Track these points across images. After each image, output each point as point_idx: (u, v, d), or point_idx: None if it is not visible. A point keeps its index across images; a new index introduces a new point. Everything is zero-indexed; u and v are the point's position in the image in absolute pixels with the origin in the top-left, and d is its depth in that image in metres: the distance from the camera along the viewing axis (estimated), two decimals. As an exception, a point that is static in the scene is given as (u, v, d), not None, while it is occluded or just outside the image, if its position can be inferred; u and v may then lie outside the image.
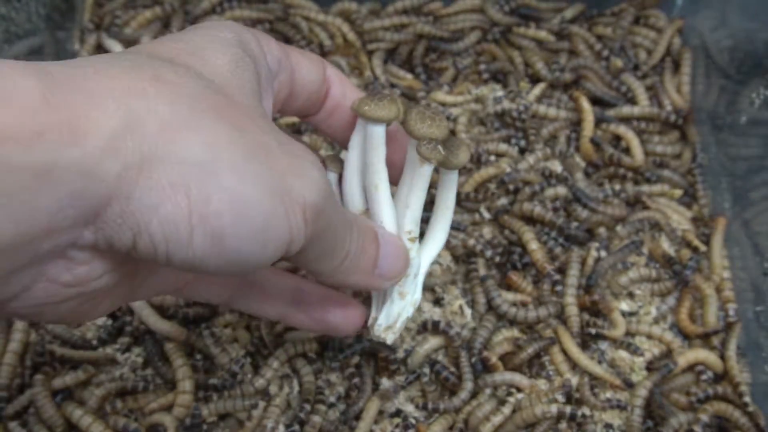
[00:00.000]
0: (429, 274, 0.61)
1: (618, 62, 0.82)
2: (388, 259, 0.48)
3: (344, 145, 0.52)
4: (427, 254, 0.54)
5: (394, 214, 0.51)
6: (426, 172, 0.50)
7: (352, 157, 0.52)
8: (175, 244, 0.33)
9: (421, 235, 0.53)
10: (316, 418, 0.59)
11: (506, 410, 0.60)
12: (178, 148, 0.32)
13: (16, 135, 0.28)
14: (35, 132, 0.28)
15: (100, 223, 0.32)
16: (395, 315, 0.52)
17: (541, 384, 0.63)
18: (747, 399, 0.63)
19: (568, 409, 0.60)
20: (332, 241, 0.42)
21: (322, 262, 0.42)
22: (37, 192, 0.29)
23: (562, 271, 0.67)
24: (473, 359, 0.62)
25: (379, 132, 0.49)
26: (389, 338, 0.53)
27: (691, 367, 0.65)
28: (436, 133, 0.48)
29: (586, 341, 0.65)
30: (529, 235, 0.68)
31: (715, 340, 0.67)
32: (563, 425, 0.60)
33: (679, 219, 0.74)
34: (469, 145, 0.56)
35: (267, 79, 0.42)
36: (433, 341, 0.63)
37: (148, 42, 0.39)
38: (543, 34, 0.83)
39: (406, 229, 0.51)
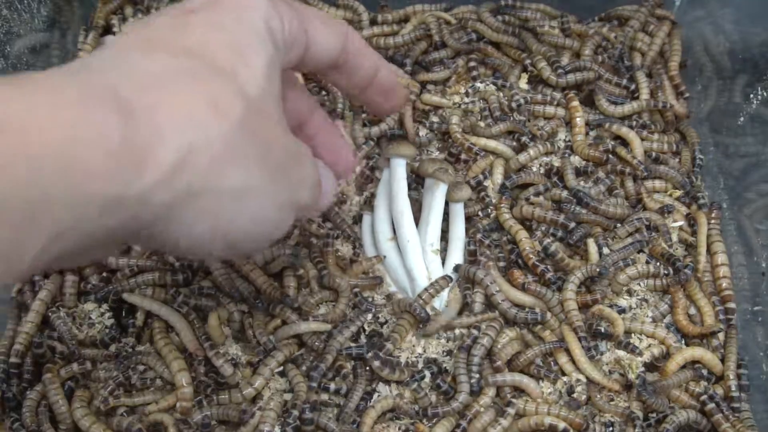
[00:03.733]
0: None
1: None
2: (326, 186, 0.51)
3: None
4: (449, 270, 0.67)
5: (417, 234, 0.66)
6: (440, 194, 0.67)
7: (381, 191, 0.69)
8: (195, 250, 0.41)
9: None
10: (311, 421, 0.59)
11: (505, 422, 0.60)
12: (219, 181, 0.38)
13: (99, 173, 0.33)
14: (113, 170, 0.33)
15: (139, 236, 0.38)
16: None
17: (545, 387, 0.63)
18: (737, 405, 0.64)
19: (562, 425, 0.60)
20: None
21: None
22: (107, 216, 0.34)
23: (559, 270, 0.68)
24: (476, 360, 0.62)
25: (401, 166, 0.65)
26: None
27: (689, 364, 0.66)
28: (443, 175, 0.66)
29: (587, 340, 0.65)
30: (517, 227, 0.69)
31: (715, 340, 0.67)
32: None
33: (675, 216, 0.74)
34: (470, 186, 0.71)
35: (280, 60, 0.44)
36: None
37: (199, 23, 0.40)
38: (555, 31, 0.83)
39: (428, 242, 0.67)
